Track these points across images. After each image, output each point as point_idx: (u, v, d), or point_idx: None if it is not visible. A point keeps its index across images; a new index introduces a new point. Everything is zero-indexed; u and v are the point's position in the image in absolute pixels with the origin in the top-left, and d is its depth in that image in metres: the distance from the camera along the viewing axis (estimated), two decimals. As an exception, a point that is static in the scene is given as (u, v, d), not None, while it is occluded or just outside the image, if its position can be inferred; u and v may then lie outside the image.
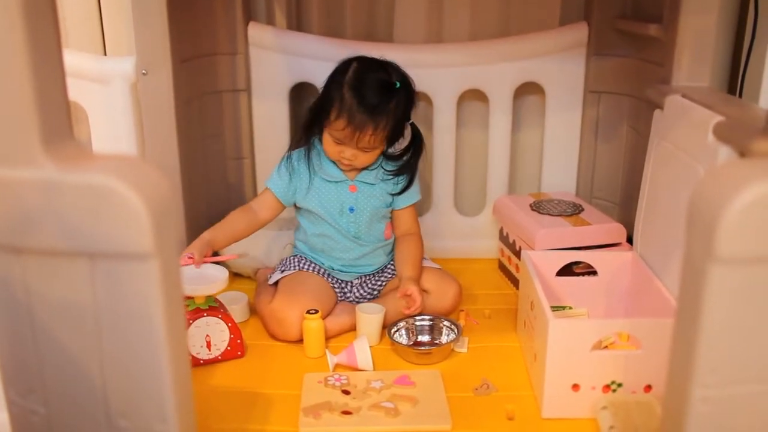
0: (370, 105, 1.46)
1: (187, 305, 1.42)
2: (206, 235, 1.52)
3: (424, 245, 1.64)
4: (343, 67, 1.51)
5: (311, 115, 1.56)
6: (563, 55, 1.87)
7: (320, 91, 1.55)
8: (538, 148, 1.99)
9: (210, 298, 1.45)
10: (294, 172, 1.58)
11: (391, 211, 1.63)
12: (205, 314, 1.41)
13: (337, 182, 1.58)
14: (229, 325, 1.44)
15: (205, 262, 1.46)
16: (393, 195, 1.60)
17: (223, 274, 1.44)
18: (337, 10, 1.96)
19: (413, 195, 1.63)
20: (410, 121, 1.58)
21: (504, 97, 1.89)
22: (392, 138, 1.55)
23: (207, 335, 1.42)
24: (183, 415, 0.88)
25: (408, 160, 1.60)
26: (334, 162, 1.57)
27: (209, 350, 1.43)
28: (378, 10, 1.96)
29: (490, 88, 1.89)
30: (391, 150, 1.59)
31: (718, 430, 0.85)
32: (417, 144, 1.61)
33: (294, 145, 1.63)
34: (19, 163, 0.77)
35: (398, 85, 1.49)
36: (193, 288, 1.40)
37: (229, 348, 1.44)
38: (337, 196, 1.57)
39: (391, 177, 1.60)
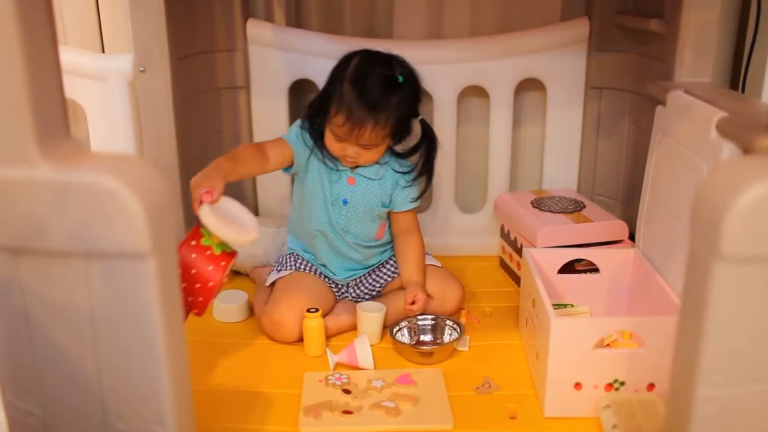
0: (371, 100, 1.42)
1: (211, 246, 1.24)
2: (224, 164, 1.34)
3: (424, 243, 1.63)
4: (345, 61, 1.48)
5: (311, 111, 1.52)
6: (564, 50, 1.86)
7: (321, 87, 1.53)
8: (539, 145, 1.99)
9: (223, 243, 1.26)
10: (308, 143, 1.52)
11: (389, 213, 1.60)
12: (234, 256, 1.27)
13: (337, 170, 1.54)
14: (235, 258, 1.28)
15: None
16: (394, 198, 1.57)
17: (251, 218, 1.27)
18: (337, 6, 1.95)
19: (414, 198, 1.60)
20: (419, 117, 1.54)
21: (505, 93, 1.88)
22: (397, 135, 1.51)
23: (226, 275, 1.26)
24: (181, 415, 0.87)
25: (424, 160, 1.57)
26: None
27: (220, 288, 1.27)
28: (378, 6, 1.95)
29: (490, 85, 1.88)
30: (399, 148, 1.56)
31: (723, 430, 0.84)
32: (429, 141, 1.57)
33: (307, 117, 1.54)
34: (14, 163, 0.76)
35: (401, 79, 1.45)
36: (231, 233, 1.22)
37: (226, 279, 1.28)
38: (334, 186, 1.54)
39: (410, 184, 1.57)
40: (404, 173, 1.57)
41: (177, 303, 0.85)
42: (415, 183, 1.59)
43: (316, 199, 1.55)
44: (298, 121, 1.54)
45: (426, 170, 1.58)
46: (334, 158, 1.53)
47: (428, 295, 1.54)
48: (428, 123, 1.58)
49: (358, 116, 1.42)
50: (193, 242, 1.24)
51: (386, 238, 1.63)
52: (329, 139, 1.49)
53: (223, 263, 1.23)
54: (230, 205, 1.27)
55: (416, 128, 1.57)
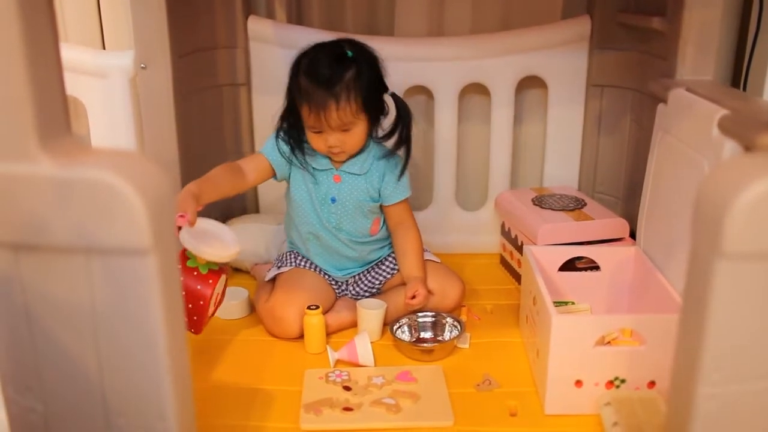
0: (324, 79, 1.42)
1: (197, 267, 1.31)
2: (193, 188, 1.34)
3: (423, 240, 1.62)
4: (297, 60, 1.49)
5: (282, 119, 1.52)
6: (566, 48, 1.86)
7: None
8: (540, 143, 1.98)
9: (209, 262, 1.32)
10: (287, 155, 1.54)
11: (380, 207, 1.59)
12: (221, 274, 1.33)
13: (322, 170, 1.54)
14: (226, 276, 1.36)
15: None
16: (381, 189, 1.56)
17: (231, 234, 1.33)
18: (338, 3, 1.95)
19: (402, 191, 1.58)
20: (390, 92, 1.53)
21: (506, 91, 1.88)
22: (370, 111, 1.48)
23: (218, 294, 1.34)
24: (182, 412, 0.87)
25: (399, 131, 1.54)
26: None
27: (218, 307, 1.36)
28: (379, 4, 1.95)
29: (491, 82, 1.88)
30: (380, 132, 1.55)
31: (724, 428, 0.84)
32: (402, 113, 1.54)
33: (280, 128, 1.54)
34: (15, 159, 0.76)
35: (350, 54, 1.45)
36: (210, 252, 1.27)
37: (221, 298, 1.37)
38: (320, 185, 1.54)
39: (390, 157, 1.55)
40: (386, 157, 1.55)
41: (178, 299, 0.85)
42: (402, 172, 1.57)
43: (303, 202, 1.56)
44: (273, 133, 1.55)
45: (403, 142, 1.55)
46: (315, 160, 1.53)
47: (429, 291, 1.54)
48: (399, 96, 1.56)
49: (318, 99, 1.42)
50: (179, 265, 1.25)
51: (383, 234, 1.63)
52: (311, 138, 1.49)
53: (210, 281, 1.29)
54: (209, 225, 1.32)
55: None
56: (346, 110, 1.43)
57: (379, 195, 1.57)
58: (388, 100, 1.54)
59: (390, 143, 1.56)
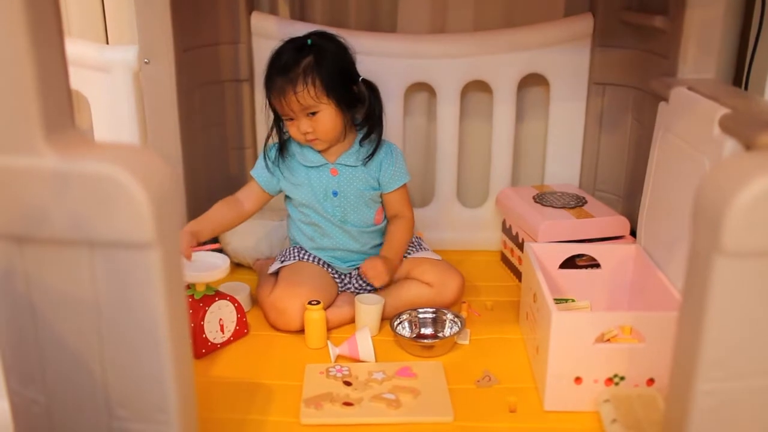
0: (282, 66, 1.48)
1: (192, 294, 1.43)
2: (190, 227, 1.49)
3: (425, 237, 1.63)
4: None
5: (271, 125, 1.59)
6: (568, 46, 1.86)
7: None
8: (541, 140, 1.99)
9: (209, 286, 1.45)
10: (273, 161, 1.59)
11: (381, 195, 1.62)
12: (217, 298, 1.44)
13: (318, 167, 1.56)
14: (236, 305, 1.47)
15: (195, 250, 1.46)
16: (378, 178, 1.58)
17: (224, 261, 1.45)
18: (341, -1, 1.95)
19: (400, 177, 1.60)
20: (361, 78, 1.55)
21: (508, 88, 1.88)
22: (334, 97, 1.50)
23: (220, 319, 1.44)
24: (183, 405, 0.88)
25: (366, 110, 1.57)
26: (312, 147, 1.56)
27: (223, 333, 1.46)
28: (382, 0, 1.95)
29: (493, 79, 1.88)
30: (357, 118, 1.58)
31: (722, 424, 0.85)
32: (371, 95, 1.56)
33: (270, 135, 1.62)
34: (20, 152, 0.77)
35: (309, 42, 1.50)
36: (197, 275, 1.41)
37: (237, 327, 1.48)
38: (320, 181, 1.56)
39: (366, 144, 1.58)
40: (364, 134, 1.58)
41: (181, 293, 0.86)
42: (396, 160, 1.59)
43: (309, 201, 1.58)
44: (264, 145, 1.62)
45: (370, 120, 1.57)
46: (307, 158, 1.56)
47: (425, 283, 1.55)
48: (370, 81, 1.58)
49: (279, 87, 1.48)
50: None
51: (386, 224, 1.65)
52: (288, 129, 1.55)
53: (201, 304, 1.42)
54: (203, 256, 1.47)
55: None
56: (305, 94, 1.47)
57: (379, 183, 1.59)
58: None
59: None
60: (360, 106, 1.57)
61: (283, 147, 1.59)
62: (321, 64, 1.48)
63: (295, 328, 1.49)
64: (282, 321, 1.50)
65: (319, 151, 1.57)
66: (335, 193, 1.56)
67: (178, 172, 1.65)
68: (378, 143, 1.58)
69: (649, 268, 1.42)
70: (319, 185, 1.56)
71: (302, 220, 1.61)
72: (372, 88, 1.58)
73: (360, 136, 1.58)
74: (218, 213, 1.57)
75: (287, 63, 1.48)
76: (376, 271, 1.52)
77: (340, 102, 1.51)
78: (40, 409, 0.89)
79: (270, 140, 1.61)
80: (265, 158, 1.60)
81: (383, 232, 1.64)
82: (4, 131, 0.76)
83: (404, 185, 1.61)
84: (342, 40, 1.55)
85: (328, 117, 1.50)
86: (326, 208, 1.57)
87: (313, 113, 1.49)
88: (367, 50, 1.84)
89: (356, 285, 1.63)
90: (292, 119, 1.51)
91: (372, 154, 1.57)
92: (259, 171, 1.60)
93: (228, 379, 1.35)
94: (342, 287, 1.63)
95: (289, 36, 1.55)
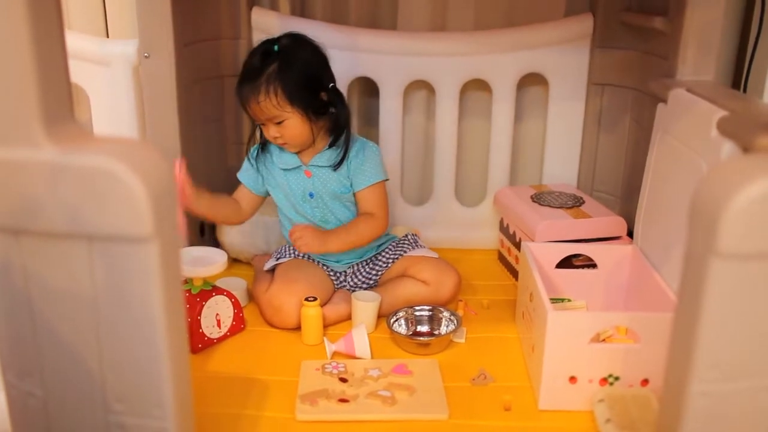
0: (246, 74, 1.47)
1: (189, 289, 1.44)
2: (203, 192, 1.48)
3: (422, 235, 1.62)
4: None
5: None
6: (567, 46, 1.86)
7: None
8: (540, 140, 1.99)
9: (206, 281, 1.46)
10: (256, 162, 1.60)
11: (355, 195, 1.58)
12: (213, 294, 1.44)
13: (293, 169, 1.56)
14: (233, 300, 1.47)
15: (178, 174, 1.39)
16: (349, 177, 1.56)
17: (222, 256, 1.46)
18: (341, -5, 1.95)
19: (370, 175, 1.55)
20: (331, 85, 1.52)
21: (507, 87, 1.89)
22: (300, 104, 1.47)
23: (217, 314, 1.45)
24: (180, 400, 0.88)
25: (333, 118, 1.53)
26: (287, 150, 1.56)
27: (219, 328, 1.46)
28: (382, -3, 1.96)
29: (493, 78, 1.88)
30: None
31: (716, 425, 0.85)
32: (339, 103, 1.53)
33: (252, 137, 1.63)
34: (20, 144, 0.77)
35: (276, 48, 1.47)
36: (195, 270, 1.42)
37: (234, 323, 1.48)
38: (297, 183, 1.56)
39: (337, 149, 1.55)
40: (333, 141, 1.56)
41: (178, 287, 0.86)
42: (367, 159, 1.56)
43: (284, 204, 1.59)
44: (246, 149, 1.63)
45: (336, 129, 1.55)
46: (283, 160, 1.56)
47: (421, 281, 1.55)
48: (337, 89, 1.54)
49: (243, 94, 1.48)
50: None
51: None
52: (262, 130, 1.54)
53: (198, 299, 1.42)
54: (200, 251, 1.49)
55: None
56: (267, 103, 1.45)
57: (351, 183, 1.57)
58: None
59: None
60: (332, 111, 1.53)
61: (264, 148, 1.60)
62: (286, 72, 1.45)
63: (291, 325, 1.49)
64: (278, 318, 1.50)
65: (296, 153, 1.56)
66: (312, 195, 1.56)
67: (177, 166, 1.65)
68: (346, 151, 1.54)
69: (645, 269, 1.42)
70: (297, 187, 1.57)
71: (286, 222, 1.62)
72: (338, 94, 1.54)
73: (339, 139, 1.56)
74: (222, 198, 1.58)
75: (252, 69, 1.46)
76: (300, 235, 1.49)
77: (306, 110, 1.48)
78: (37, 402, 0.89)
79: (252, 142, 1.62)
80: (249, 160, 1.61)
81: None
82: (4, 123, 0.77)
83: (378, 184, 1.56)
84: (316, 44, 1.52)
85: (293, 125, 1.48)
86: (305, 209, 1.57)
87: (279, 122, 1.48)
88: (366, 47, 1.84)
89: (352, 282, 1.63)
90: (260, 122, 1.52)
91: (341, 161, 1.54)
92: (244, 174, 1.61)
93: (224, 374, 1.36)
94: (338, 285, 1.63)
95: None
